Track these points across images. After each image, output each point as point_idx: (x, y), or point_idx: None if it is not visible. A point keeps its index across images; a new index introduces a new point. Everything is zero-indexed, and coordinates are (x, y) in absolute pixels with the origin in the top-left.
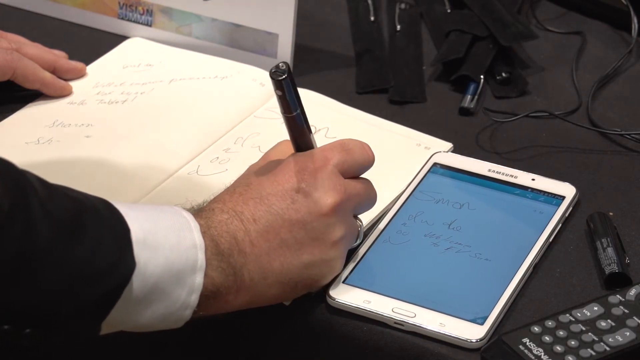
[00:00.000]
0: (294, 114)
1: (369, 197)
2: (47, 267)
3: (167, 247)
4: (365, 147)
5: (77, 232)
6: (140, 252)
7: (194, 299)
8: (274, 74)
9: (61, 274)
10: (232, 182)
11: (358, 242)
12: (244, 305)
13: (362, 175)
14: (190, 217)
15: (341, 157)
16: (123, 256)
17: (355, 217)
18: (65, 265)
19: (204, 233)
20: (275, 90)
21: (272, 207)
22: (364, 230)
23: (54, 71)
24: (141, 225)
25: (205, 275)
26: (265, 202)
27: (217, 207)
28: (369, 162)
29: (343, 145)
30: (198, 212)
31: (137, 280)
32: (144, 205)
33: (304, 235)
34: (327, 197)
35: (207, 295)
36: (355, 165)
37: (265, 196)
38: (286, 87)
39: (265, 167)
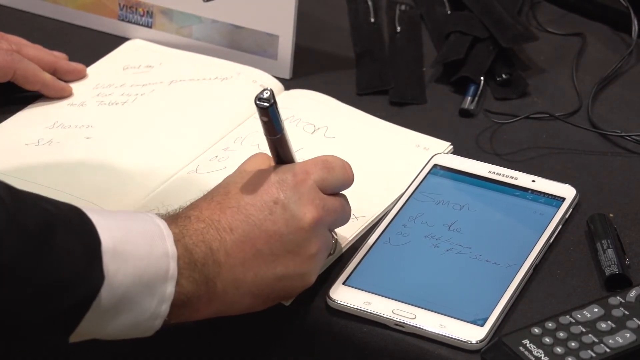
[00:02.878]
0: (279, 135)
1: (344, 213)
2: (13, 279)
3: (137, 257)
4: (346, 167)
5: (46, 245)
6: (109, 263)
7: (165, 308)
8: (260, 102)
9: (28, 287)
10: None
11: (332, 256)
12: (214, 314)
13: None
14: (163, 225)
15: (322, 174)
16: (92, 269)
17: (330, 231)
18: (32, 278)
19: (177, 241)
20: (260, 117)
21: (250, 217)
22: (340, 246)
23: (54, 72)
24: (112, 234)
25: (177, 284)
26: (243, 211)
27: (194, 215)
28: (348, 182)
29: (325, 162)
30: (173, 219)
31: (105, 291)
32: (117, 212)
33: (279, 248)
34: (305, 211)
35: (178, 304)
36: (335, 182)
37: (244, 206)
38: (271, 114)
39: (245, 177)
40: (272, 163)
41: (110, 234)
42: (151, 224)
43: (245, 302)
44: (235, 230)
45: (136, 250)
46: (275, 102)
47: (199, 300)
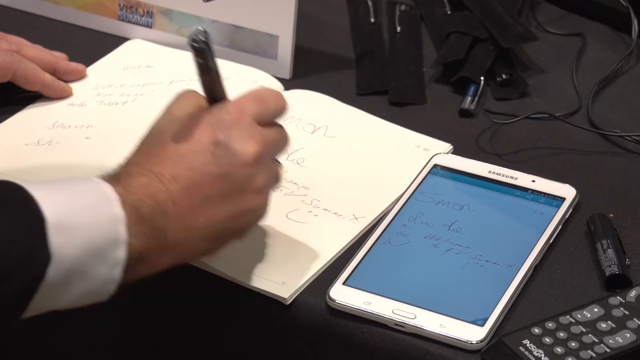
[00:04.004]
0: (213, 74)
1: (285, 141)
2: None
3: (84, 227)
4: (278, 96)
5: None
6: (55, 238)
7: (118, 272)
8: (195, 43)
9: None
10: (140, 140)
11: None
12: (171, 264)
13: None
14: (109, 189)
15: (256, 107)
16: (37, 250)
17: (273, 161)
18: None
19: (123, 201)
20: (195, 58)
21: (192, 164)
22: (283, 171)
23: (54, 73)
24: (56, 208)
25: (128, 244)
26: (185, 159)
27: (134, 170)
28: (283, 110)
29: (257, 95)
30: (115, 178)
31: (53, 268)
32: (60, 183)
33: (227, 188)
34: (247, 147)
35: (132, 263)
36: (270, 113)
37: (184, 154)
38: (207, 55)
39: (177, 124)
40: (201, 102)
41: (53, 207)
42: (96, 191)
43: (200, 246)
44: (180, 179)
45: (82, 221)
46: (210, 43)
47: (152, 254)
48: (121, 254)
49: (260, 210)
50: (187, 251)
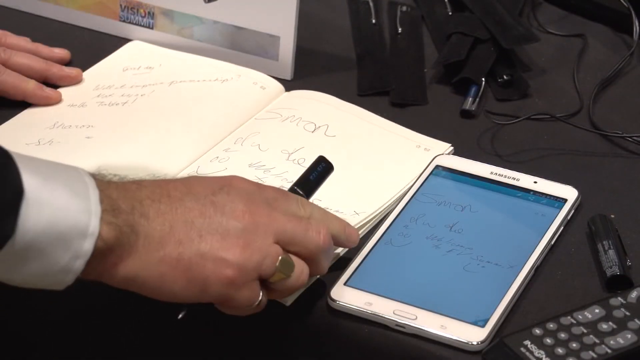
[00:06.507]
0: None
1: (302, 230)
2: None
3: (55, 206)
4: (353, 237)
5: None
6: (24, 209)
7: (79, 264)
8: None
9: None
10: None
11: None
12: (127, 276)
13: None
14: (90, 182)
15: (275, 195)
16: (4, 223)
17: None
18: None
19: (102, 191)
20: (310, 173)
21: (192, 191)
22: (294, 268)
23: (45, 80)
24: (33, 182)
25: (98, 237)
26: (187, 185)
27: (130, 180)
28: (331, 252)
29: (344, 225)
30: (103, 176)
31: (15, 237)
32: (45, 161)
33: (211, 224)
34: (249, 207)
35: (96, 255)
36: (302, 248)
37: (190, 183)
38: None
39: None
40: None
41: (31, 181)
42: (76, 180)
43: (161, 268)
44: (173, 197)
45: (55, 199)
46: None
47: (121, 250)
48: (88, 246)
49: (228, 268)
50: (146, 267)
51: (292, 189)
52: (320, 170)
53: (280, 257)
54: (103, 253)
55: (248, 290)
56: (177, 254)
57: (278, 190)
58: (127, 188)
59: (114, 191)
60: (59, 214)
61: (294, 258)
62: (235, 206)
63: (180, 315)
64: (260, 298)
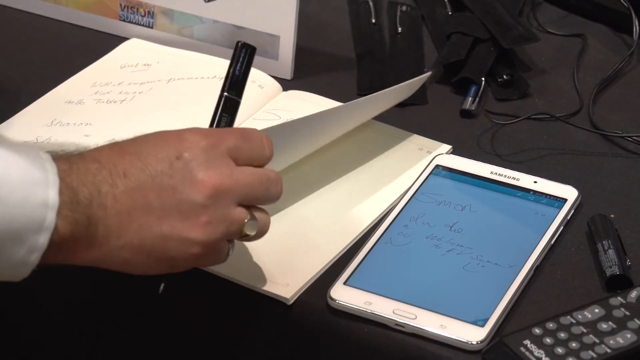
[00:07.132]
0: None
1: (263, 188)
2: None
3: (9, 204)
4: (265, 142)
5: None
6: None
7: (34, 258)
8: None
9: None
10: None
11: (254, 237)
12: (91, 263)
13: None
14: (52, 170)
15: (236, 142)
16: None
17: (249, 208)
18: None
19: (63, 180)
20: (237, 68)
21: (147, 167)
22: (259, 225)
23: None
24: None
25: (54, 229)
26: (142, 159)
27: (90, 155)
28: (264, 156)
29: (243, 132)
30: (68, 156)
31: None
32: (6, 151)
33: (170, 204)
34: (208, 175)
35: (52, 248)
36: (249, 153)
37: (145, 154)
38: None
39: (162, 130)
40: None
41: None
42: (37, 170)
43: (123, 255)
44: (129, 177)
45: (9, 197)
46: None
47: (77, 244)
48: (43, 240)
49: (194, 246)
50: (110, 254)
51: (225, 98)
52: (243, 58)
53: (245, 221)
54: (59, 245)
55: (216, 253)
56: (138, 240)
57: (239, 134)
58: (88, 170)
59: (75, 178)
60: (14, 212)
61: (257, 213)
62: (194, 176)
63: (160, 289)
64: (229, 253)
